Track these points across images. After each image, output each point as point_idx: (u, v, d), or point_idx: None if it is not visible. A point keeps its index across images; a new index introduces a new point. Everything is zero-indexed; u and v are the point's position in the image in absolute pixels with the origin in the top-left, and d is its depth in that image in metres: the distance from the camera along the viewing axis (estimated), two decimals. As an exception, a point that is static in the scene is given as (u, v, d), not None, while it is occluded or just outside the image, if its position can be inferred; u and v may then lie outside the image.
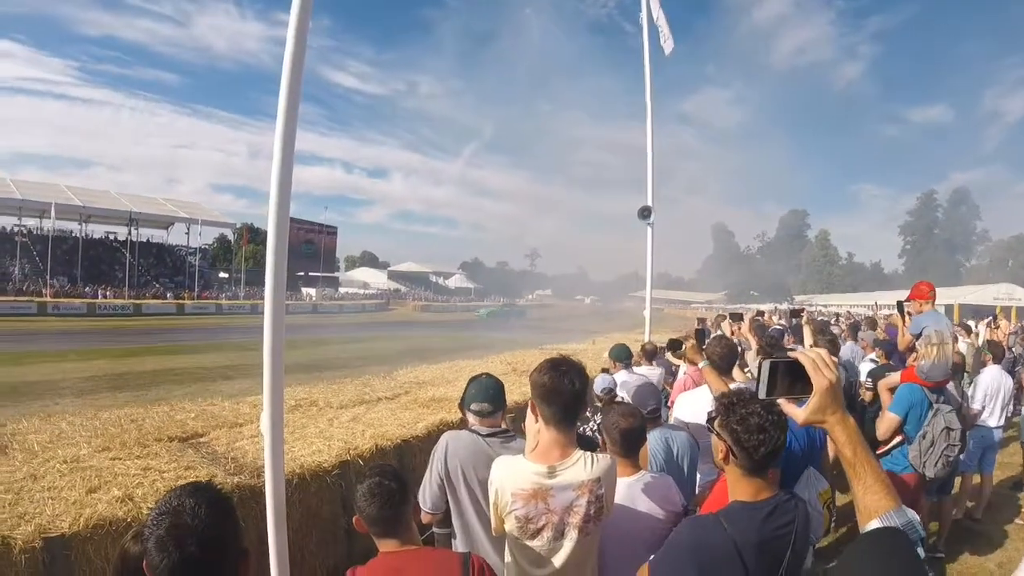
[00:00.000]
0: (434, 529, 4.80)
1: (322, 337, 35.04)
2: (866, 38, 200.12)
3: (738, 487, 2.79)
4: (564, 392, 3.03)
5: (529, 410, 3.26)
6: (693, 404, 5.48)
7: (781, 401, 2.04)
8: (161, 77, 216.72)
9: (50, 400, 13.75)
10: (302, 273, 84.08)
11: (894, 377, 6.87)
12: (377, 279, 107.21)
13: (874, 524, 1.68)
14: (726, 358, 5.55)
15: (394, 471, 3.01)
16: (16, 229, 66.75)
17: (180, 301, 63.91)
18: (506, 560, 3.22)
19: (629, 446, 3.83)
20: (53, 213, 62.30)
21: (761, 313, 21.58)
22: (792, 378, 1.98)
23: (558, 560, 3.12)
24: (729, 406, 2.83)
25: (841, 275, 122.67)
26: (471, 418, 4.18)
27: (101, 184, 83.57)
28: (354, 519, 2.94)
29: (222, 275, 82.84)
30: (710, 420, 2.95)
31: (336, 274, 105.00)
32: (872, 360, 9.48)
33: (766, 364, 2.01)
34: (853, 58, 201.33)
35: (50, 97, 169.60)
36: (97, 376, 19.91)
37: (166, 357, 25.42)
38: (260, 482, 5.10)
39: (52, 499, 4.75)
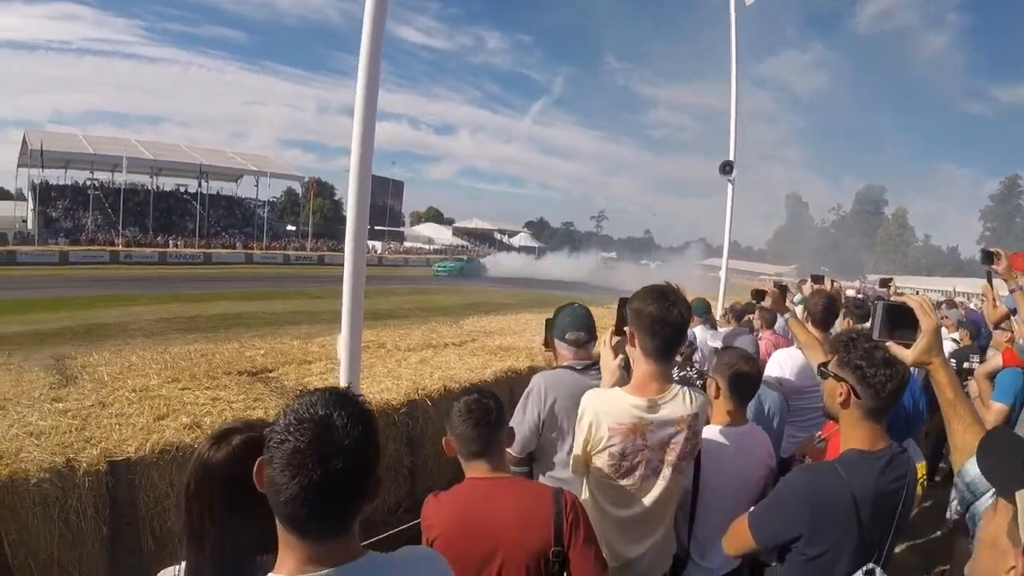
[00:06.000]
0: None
1: (388, 288, 35.00)
2: (954, 6, 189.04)
3: (855, 434, 2.57)
4: (670, 323, 2.82)
5: (607, 343, 3.15)
6: (787, 362, 5.20)
7: (889, 344, 2.16)
8: (227, 35, 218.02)
9: (121, 340, 13.91)
10: (368, 226, 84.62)
11: (995, 361, 6.25)
12: (442, 235, 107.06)
13: (972, 462, 1.71)
14: (827, 311, 5.25)
15: (492, 392, 2.84)
16: (89, 183, 68.53)
17: (249, 251, 65.07)
18: (582, 498, 2.99)
19: (743, 393, 3.61)
20: (125, 166, 63.59)
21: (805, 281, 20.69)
22: (894, 323, 2.16)
23: (648, 499, 2.97)
24: (850, 342, 2.60)
25: (916, 256, 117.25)
26: (564, 350, 3.93)
27: (171, 140, 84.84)
28: (444, 440, 2.79)
29: (289, 227, 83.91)
30: (823, 365, 2.72)
31: (402, 229, 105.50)
32: (953, 340, 8.84)
33: (880, 305, 2.20)
34: (940, 27, 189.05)
35: (118, 57, 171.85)
36: (168, 319, 20.43)
37: (235, 303, 25.81)
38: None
39: (119, 425, 4.79)
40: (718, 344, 6.14)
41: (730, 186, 10.75)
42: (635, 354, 2.95)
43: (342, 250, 3.56)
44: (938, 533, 6.06)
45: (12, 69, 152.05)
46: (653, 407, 2.86)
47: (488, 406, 2.71)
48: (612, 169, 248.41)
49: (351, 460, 1.46)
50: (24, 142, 64.74)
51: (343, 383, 3.11)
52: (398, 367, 7.14)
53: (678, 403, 2.90)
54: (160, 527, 4.53)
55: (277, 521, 1.50)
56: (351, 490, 1.49)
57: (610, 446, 2.86)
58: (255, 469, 1.53)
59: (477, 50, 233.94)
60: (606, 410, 2.88)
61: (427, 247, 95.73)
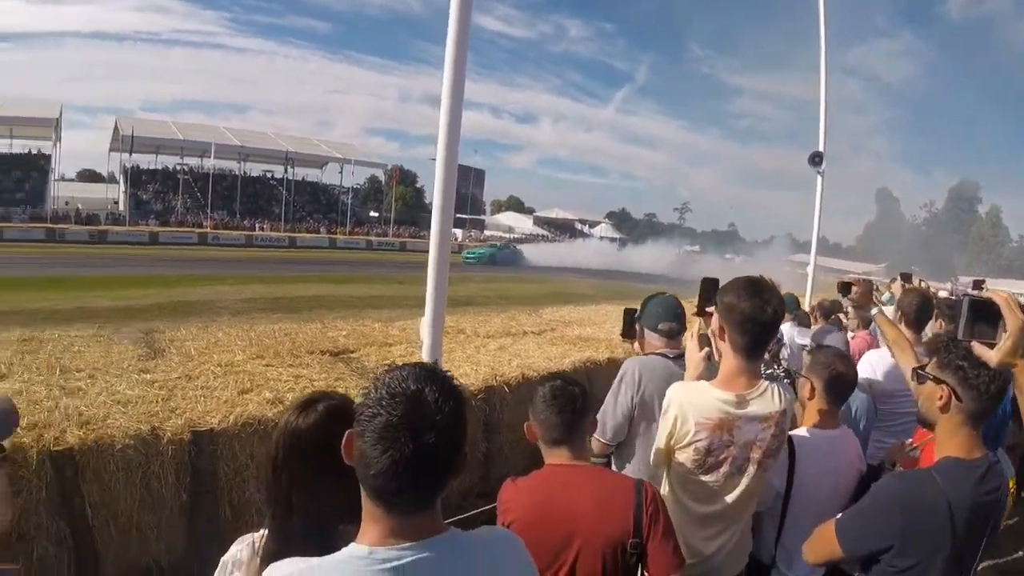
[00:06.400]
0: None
1: (467, 274, 35.33)
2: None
3: (953, 441, 2.44)
4: (763, 321, 2.72)
5: (693, 337, 3.08)
6: (878, 363, 4.98)
7: (973, 344, 2.06)
8: (311, 25, 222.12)
9: (208, 317, 14.26)
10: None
11: None
12: (522, 224, 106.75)
13: None
14: (921, 310, 5.01)
15: (576, 379, 2.81)
16: (178, 167, 70.96)
17: (333, 235, 66.14)
18: (662, 492, 2.88)
19: (838, 395, 3.46)
20: (213, 152, 65.78)
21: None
22: (977, 321, 2.08)
23: (730, 497, 2.88)
24: (949, 343, 2.47)
25: (1010, 257, 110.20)
26: (655, 340, 3.85)
27: (258, 127, 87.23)
28: (526, 426, 2.75)
29: (372, 214, 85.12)
30: (920, 368, 2.59)
31: (482, 217, 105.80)
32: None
33: (966, 301, 2.11)
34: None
35: (206, 47, 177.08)
36: (253, 299, 20.93)
37: (319, 285, 26.24)
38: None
39: (204, 397, 4.91)
40: (806, 342, 5.95)
41: (819, 178, 10.44)
42: (723, 347, 2.85)
43: (423, 237, 3.56)
44: (1020, 553, 5.72)
45: (103, 59, 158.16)
46: (741, 403, 2.77)
47: (573, 393, 2.67)
48: (696, 159, 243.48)
49: (442, 435, 1.44)
50: (116, 128, 66.99)
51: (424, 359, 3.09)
52: (476, 353, 7.15)
53: (766, 399, 2.81)
54: (238, 497, 4.65)
55: (363, 493, 1.48)
56: (441, 465, 1.47)
57: (696, 441, 2.78)
58: (343, 442, 1.51)
59: (558, 38, 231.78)
60: (693, 403, 2.79)
61: (507, 236, 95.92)
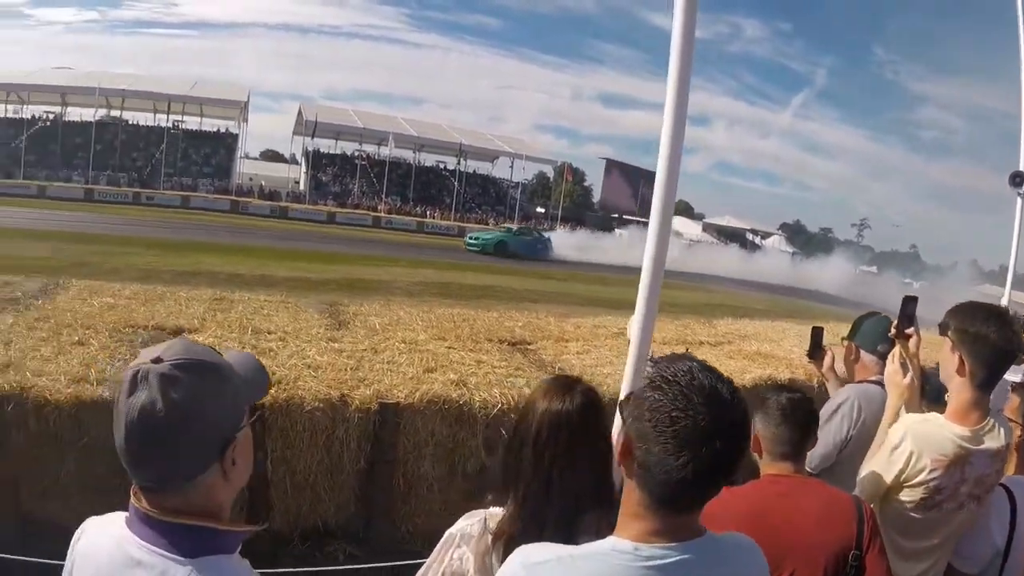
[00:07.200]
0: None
1: (633, 278, 34.39)
2: None
3: None
4: (1009, 352, 2.50)
5: (896, 357, 2.87)
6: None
7: None
8: (485, 22, 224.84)
9: (383, 296, 14.62)
10: (616, 215, 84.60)
11: None
12: (691, 230, 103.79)
13: None
14: None
15: (803, 391, 2.71)
16: (356, 153, 74.12)
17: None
18: None
19: None
20: (391, 142, 68.49)
21: None
22: None
23: (943, 533, 2.68)
24: None
25: None
26: (872, 364, 3.60)
27: (433, 119, 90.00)
28: (753, 437, 2.57)
29: (539, 209, 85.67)
30: None
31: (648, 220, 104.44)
32: None
33: None
34: None
35: (384, 41, 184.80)
36: (424, 283, 21.47)
37: (488, 275, 26.58)
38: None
39: (390, 371, 5.02)
40: (1017, 378, 5.49)
41: (1020, 200, 9.60)
42: (955, 379, 2.61)
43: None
44: None
45: (288, 49, 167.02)
46: (977, 438, 2.56)
47: (810, 409, 2.57)
48: (876, 172, 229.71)
49: (741, 435, 1.36)
50: (300, 113, 71.14)
51: (630, 367, 2.99)
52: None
53: (995, 434, 2.60)
54: (413, 471, 4.74)
55: (635, 490, 1.41)
56: (734, 467, 1.38)
57: (929, 480, 2.57)
58: (620, 446, 1.43)
59: (733, 38, 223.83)
60: (928, 439, 2.58)
61: (676, 240, 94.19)
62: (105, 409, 4.17)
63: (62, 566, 1.45)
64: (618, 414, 1.58)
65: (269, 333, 5.81)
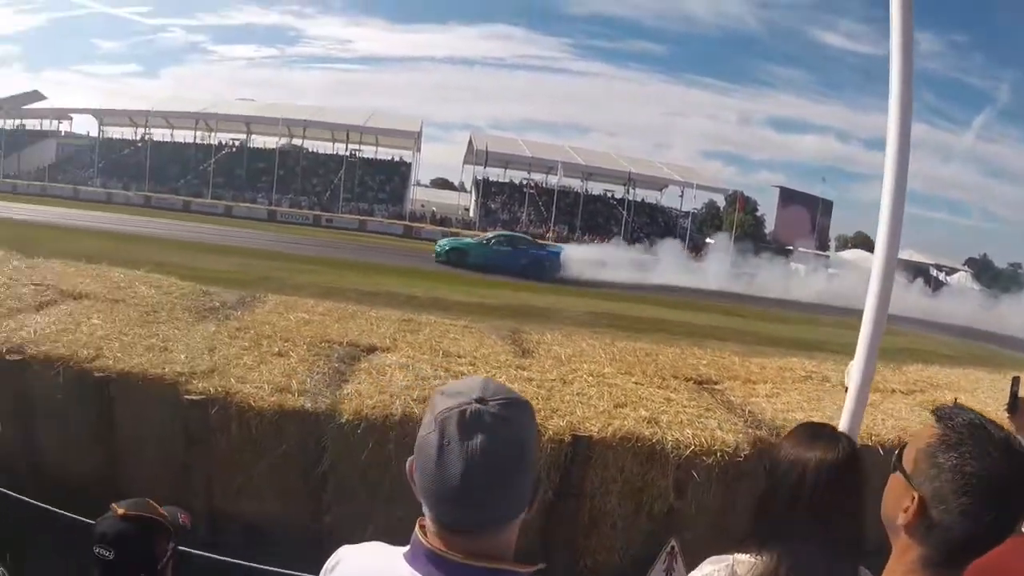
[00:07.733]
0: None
1: (814, 316, 31.45)
2: None
3: None
4: None
5: None
6: None
7: None
8: (648, 48, 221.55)
9: (554, 324, 14.58)
10: (791, 248, 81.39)
11: None
12: (869, 264, 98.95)
13: None
14: None
15: None
16: (524, 182, 76.25)
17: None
18: None
19: None
20: (560, 170, 70.21)
21: None
22: None
23: None
24: None
25: None
26: None
27: (599, 147, 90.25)
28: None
29: (708, 240, 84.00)
30: None
31: (826, 253, 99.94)
32: None
33: None
34: None
35: (547, 71, 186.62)
36: (595, 312, 21.35)
37: (659, 308, 25.98)
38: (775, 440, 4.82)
39: (581, 404, 4.99)
40: None
41: None
42: None
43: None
44: None
45: (456, 81, 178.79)
46: None
47: None
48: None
49: None
50: (470, 143, 74.44)
51: (847, 414, 2.87)
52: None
53: None
54: (599, 507, 4.70)
55: (914, 546, 1.42)
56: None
57: None
58: (913, 507, 1.42)
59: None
60: None
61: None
62: (305, 419, 4.49)
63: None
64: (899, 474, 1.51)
65: (459, 357, 5.95)
